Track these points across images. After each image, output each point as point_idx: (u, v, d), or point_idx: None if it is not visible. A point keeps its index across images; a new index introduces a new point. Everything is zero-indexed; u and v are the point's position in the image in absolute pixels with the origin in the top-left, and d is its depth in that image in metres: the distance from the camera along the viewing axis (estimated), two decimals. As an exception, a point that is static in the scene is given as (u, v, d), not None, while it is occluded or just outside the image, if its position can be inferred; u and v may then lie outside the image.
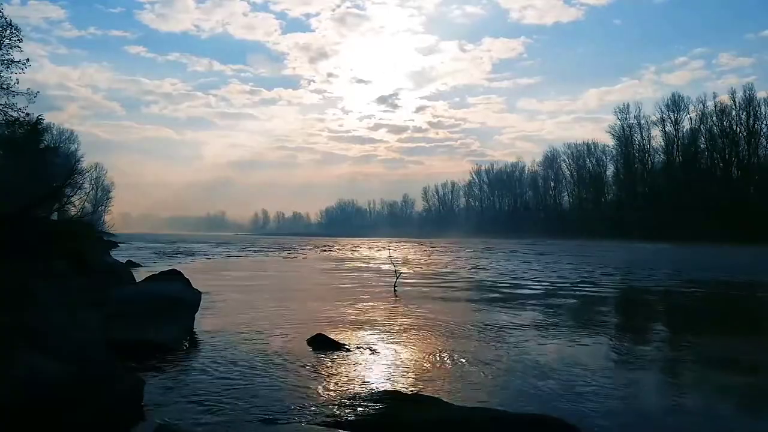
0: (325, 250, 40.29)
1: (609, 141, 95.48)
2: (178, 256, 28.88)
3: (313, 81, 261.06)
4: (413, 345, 6.62)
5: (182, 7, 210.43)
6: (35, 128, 37.23)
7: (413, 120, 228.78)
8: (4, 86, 29.96)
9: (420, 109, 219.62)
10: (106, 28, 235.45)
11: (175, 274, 8.89)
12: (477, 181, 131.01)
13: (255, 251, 37.55)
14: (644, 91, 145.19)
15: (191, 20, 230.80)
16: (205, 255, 30.65)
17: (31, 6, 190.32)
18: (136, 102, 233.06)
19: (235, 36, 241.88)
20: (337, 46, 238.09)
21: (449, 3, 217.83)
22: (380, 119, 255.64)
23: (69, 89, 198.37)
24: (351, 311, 9.39)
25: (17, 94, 30.36)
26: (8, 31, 29.82)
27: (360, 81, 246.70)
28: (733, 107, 77.28)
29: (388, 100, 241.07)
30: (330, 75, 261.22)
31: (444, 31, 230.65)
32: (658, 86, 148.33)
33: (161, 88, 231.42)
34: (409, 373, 5.37)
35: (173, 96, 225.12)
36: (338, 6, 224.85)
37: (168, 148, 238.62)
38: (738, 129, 76.87)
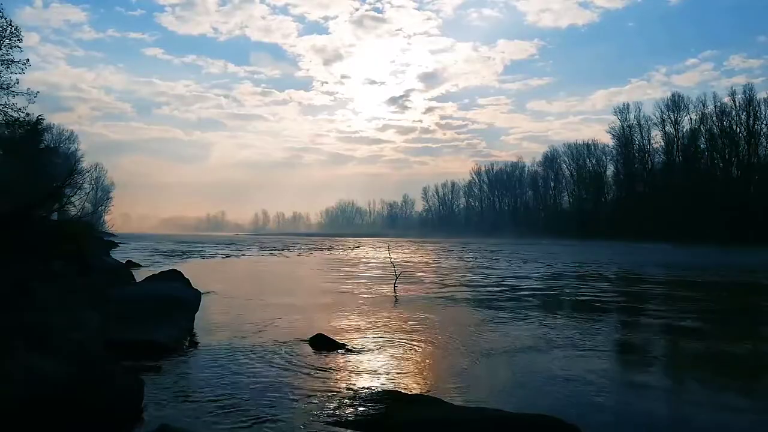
0: (324, 250, 40.29)
1: (609, 141, 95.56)
2: (178, 256, 28.87)
3: (326, 83, 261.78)
4: (413, 345, 6.62)
5: (202, 10, 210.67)
6: (35, 128, 37.26)
7: (422, 121, 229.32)
8: (4, 86, 30.02)
9: (429, 110, 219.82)
10: (125, 31, 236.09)
11: (175, 274, 8.90)
12: (477, 181, 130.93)
13: (255, 251, 37.55)
14: (653, 92, 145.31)
15: (210, 23, 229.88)
16: (205, 255, 30.65)
17: (53, 9, 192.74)
18: (148, 103, 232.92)
19: (252, 39, 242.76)
20: (353, 48, 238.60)
21: (467, 6, 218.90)
22: (389, 120, 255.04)
23: (81, 90, 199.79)
24: (351, 311, 9.39)
25: (17, 94, 30.43)
26: (8, 32, 29.89)
27: (373, 82, 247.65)
28: (733, 107, 77.35)
29: (398, 101, 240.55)
30: (343, 76, 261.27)
31: (460, 34, 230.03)
32: (667, 87, 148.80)
33: (174, 90, 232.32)
34: (409, 373, 5.37)
35: (186, 97, 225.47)
36: (357, 9, 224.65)
37: (175, 148, 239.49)
38: (738, 129, 76.89)
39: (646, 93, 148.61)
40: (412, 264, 23.70)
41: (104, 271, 9.97)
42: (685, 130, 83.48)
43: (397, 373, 5.38)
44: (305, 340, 6.59)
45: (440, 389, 4.76)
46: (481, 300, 11.43)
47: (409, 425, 3.70)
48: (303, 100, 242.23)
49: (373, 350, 6.28)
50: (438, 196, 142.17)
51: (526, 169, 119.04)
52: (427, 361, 5.91)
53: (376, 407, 4.03)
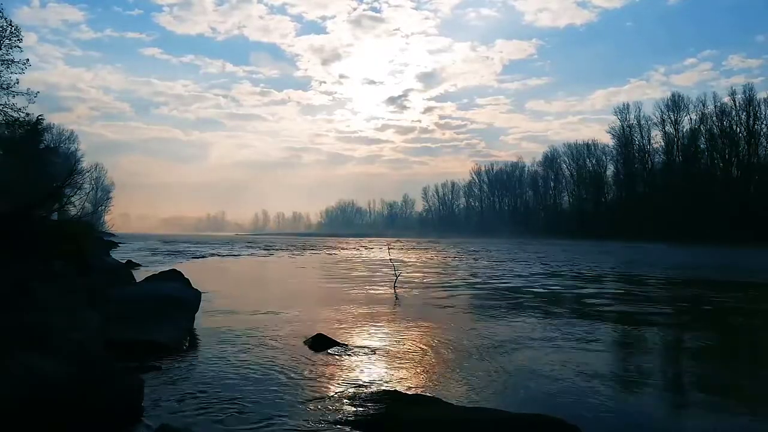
0: (324, 250, 40.29)
1: (609, 141, 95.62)
2: (178, 256, 28.87)
3: (325, 82, 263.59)
4: (413, 345, 6.62)
5: (200, 10, 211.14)
6: (35, 128, 37.26)
7: (420, 121, 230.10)
8: (4, 86, 30.03)
9: (428, 110, 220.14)
10: (122, 30, 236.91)
11: (175, 274, 8.90)
12: (477, 181, 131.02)
13: (255, 251, 37.55)
14: (652, 92, 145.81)
15: (208, 22, 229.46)
16: (205, 255, 30.65)
17: (50, 8, 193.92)
18: (146, 103, 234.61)
19: (250, 38, 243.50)
20: (351, 48, 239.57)
21: (465, 6, 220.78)
22: (388, 120, 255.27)
23: (80, 90, 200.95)
24: (351, 311, 9.38)
25: (17, 94, 30.44)
26: (8, 32, 29.90)
27: (371, 82, 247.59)
28: (733, 107, 77.41)
29: (397, 101, 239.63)
30: (342, 76, 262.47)
31: (457, 34, 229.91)
32: (666, 87, 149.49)
33: (173, 90, 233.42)
34: (409, 373, 5.37)
35: (184, 97, 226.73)
36: (354, 9, 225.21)
37: (175, 148, 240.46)
38: (738, 129, 76.95)
39: (645, 93, 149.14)
40: (412, 264, 23.69)
41: (104, 271, 9.97)
42: (685, 130, 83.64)
43: (397, 373, 5.38)
44: (305, 340, 6.59)
45: (440, 389, 4.76)
46: (480, 299, 11.43)
47: (409, 425, 3.70)
48: (302, 99, 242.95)
49: (373, 350, 6.27)
50: (438, 196, 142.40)
51: (526, 169, 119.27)
52: (427, 361, 5.90)
53: (376, 407, 4.03)
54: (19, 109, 30.66)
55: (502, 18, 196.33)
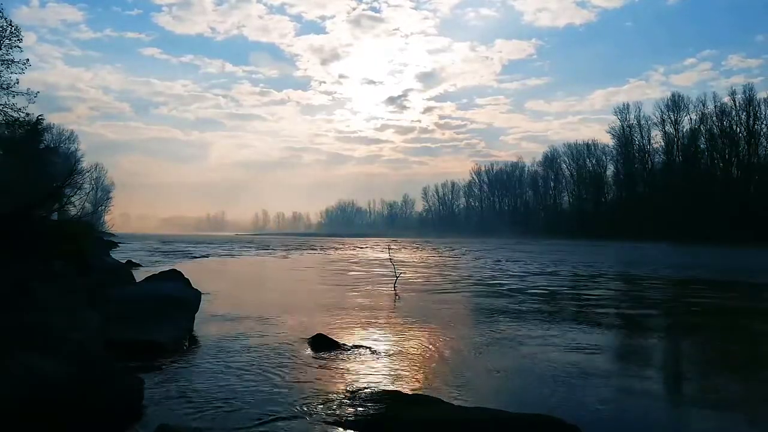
0: (324, 250, 40.28)
1: (609, 141, 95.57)
2: (178, 256, 28.87)
3: (324, 82, 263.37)
4: (413, 345, 6.62)
5: (199, 10, 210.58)
6: (35, 128, 37.20)
7: (420, 121, 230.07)
8: (4, 86, 29.99)
9: (428, 110, 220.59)
10: (121, 30, 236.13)
11: (175, 274, 8.89)
12: (477, 181, 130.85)
13: (255, 251, 37.54)
14: (651, 92, 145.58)
15: (207, 22, 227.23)
16: (205, 255, 30.65)
17: (50, 8, 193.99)
18: (146, 103, 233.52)
19: (249, 38, 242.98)
20: (350, 47, 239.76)
21: (464, 5, 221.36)
22: (388, 120, 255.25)
23: (80, 90, 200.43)
24: (351, 311, 9.38)
25: (17, 94, 30.39)
26: (8, 32, 29.87)
27: (370, 82, 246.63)
28: (733, 107, 77.31)
29: (396, 101, 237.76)
30: (341, 76, 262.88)
31: (457, 33, 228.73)
32: (665, 87, 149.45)
33: (172, 90, 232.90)
34: (409, 373, 5.37)
35: (184, 97, 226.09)
36: (354, 9, 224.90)
37: (174, 148, 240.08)
38: (738, 129, 76.87)
39: (645, 93, 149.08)
40: (411, 264, 23.69)
41: (104, 271, 9.96)
42: (685, 130, 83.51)
43: (397, 373, 5.38)
44: (305, 340, 6.60)
45: (440, 389, 4.76)
46: (479, 299, 11.43)
47: (409, 425, 3.70)
48: (301, 99, 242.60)
49: (373, 350, 6.27)
50: (438, 196, 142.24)
51: (526, 169, 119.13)
52: (427, 361, 5.90)
53: (376, 407, 4.03)
54: (19, 109, 30.60)
55: (501, 18, 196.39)
